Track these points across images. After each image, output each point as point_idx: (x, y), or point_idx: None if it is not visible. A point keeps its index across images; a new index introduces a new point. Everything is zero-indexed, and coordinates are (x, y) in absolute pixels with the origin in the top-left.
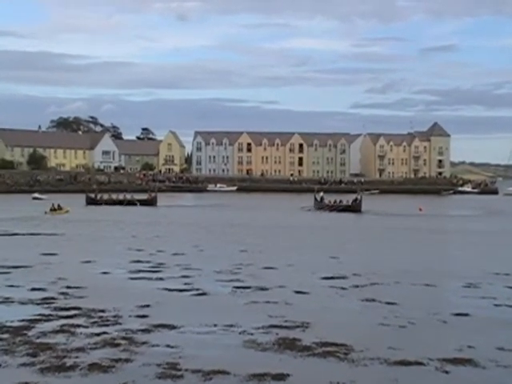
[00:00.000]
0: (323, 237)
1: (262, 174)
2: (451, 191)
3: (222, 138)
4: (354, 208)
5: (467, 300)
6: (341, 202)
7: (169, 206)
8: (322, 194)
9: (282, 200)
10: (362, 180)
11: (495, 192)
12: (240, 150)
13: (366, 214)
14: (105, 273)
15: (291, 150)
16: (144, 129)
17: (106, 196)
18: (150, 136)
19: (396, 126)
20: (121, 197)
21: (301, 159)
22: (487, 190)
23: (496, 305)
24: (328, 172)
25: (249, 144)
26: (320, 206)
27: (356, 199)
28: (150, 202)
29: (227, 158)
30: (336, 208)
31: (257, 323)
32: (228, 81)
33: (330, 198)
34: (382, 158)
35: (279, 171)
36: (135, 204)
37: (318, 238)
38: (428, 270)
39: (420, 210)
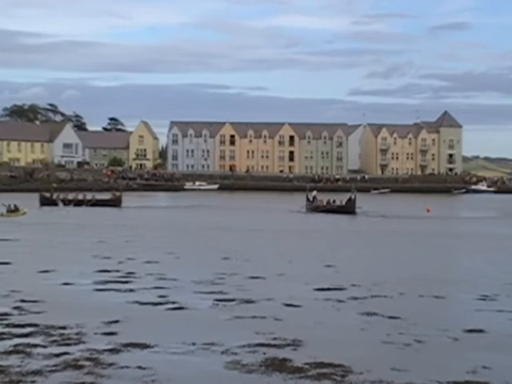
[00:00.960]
0: (316, 242)
1: (248, 171)
2: (463, 190)
3: (201, 129)
4: (348, 209)
5: (482, 314)
6: (334, 202)
7: (139, 208)
8: (314, 193)
9: (269, 200)
10: (366, 177)
11: None
12: (222, 142)
13: (364, 215)
14: (66, 284)
15: (281, 143)
16: (111, 119)
17: (65, 196)
18: (119, 127)
19: (400, 115)
20: (80, 196)
21: (292, 153)
22: (504, 188)
23: None
24: (323, 168)
25: (232, 136)
26: (312, 206)
27: (350, 199)
28: (114, 203)
29: (207, 151)
30: (328, 209)
31: (241, 341)
32: (209, 64)
33: (324, 198)
34: (384, 152)
35: (267, 167)
36: (103, 205)
37: (311, 243)
38: (437, 279)
39: (428, 211)
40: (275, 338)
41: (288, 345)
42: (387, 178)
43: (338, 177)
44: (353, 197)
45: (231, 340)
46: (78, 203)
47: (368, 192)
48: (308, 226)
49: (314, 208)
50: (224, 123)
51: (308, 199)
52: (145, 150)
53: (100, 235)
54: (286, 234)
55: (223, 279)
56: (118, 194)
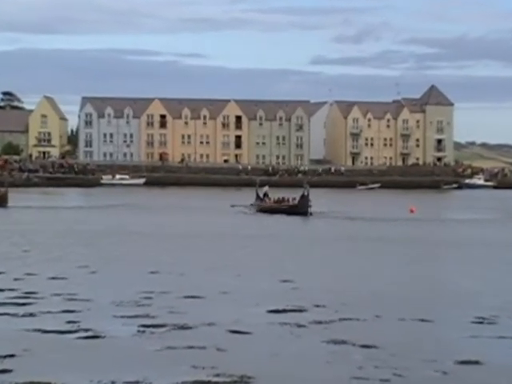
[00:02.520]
0: (267, 251)
1: (183, 161)
2: (455, 185)
3: (122, 106)
4: (301, 209)
5: (477, 341)
6: (288, 200)
7: (39, 208)
8: (266, 188)
9: (210, 198)
10: (342, 170)
11: None
12: (150, 124)
13: (322, 217)
14: None
15: (225, 126)
16: (5, 93)
17: None
18: (15, 104)
19: (376, 90)
20: None
21: (239, 139)
22: (506, 182)
23: None
24: (278, 158)
25: (163, 116)
26: (259, 206)
27: (303, 196)
28: None
29: (131, 136)
30: (276, 209)
31: (174, 378)
32: (131, 24)
33: (278, 195)
34: (356, 136)
35: (207, 156)
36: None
37: (261, 252)
38: (420, 298)
39: (411, 211)
40: (218, 375)
41: (235, 382)
42: (359, 170)
43: (301, 168)
44: (305, 193)
45: (161, 377)
46: None
47: (352, 188)
48: (256, 231)
49: (259, 208)
50: (152, 100)
51: (258, 196)
52: (49, 134)
53: None
54: (230, 240)
55: (151, 299)
56: (2, 190)
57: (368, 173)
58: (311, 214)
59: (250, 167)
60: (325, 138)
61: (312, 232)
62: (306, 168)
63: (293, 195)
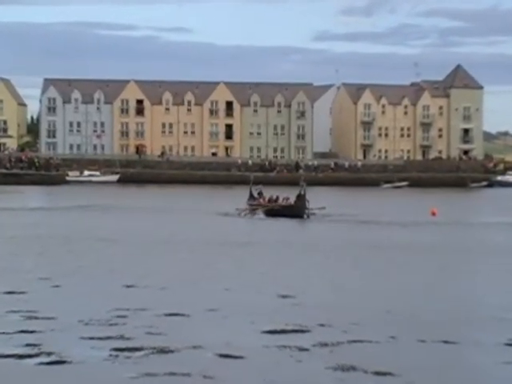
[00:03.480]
0: (262, 261)
1: (163, 154)
2: (485, 182)
3: (92, 90)
4: (296, 211)
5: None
6: (283, 199)
7: None
8: (260, 187)
9: (196, 198)
10: (359, 165)
11: None
12: (124, 111)
13: (328, 220)
14: None
15: (213, 113)
16: None
17: None
18: None
19: (391, 71)
20: None
21: (229, 128)
22: None
23: None
24: (276, 150)
25: (140, 102)
26: (252, 207)
27: (299, 195)
28: None
29: (102, 125)
30: (269, 211)
31: None
32: None
33: (274, 194)
34: (367, 125)
35: (192, 149)
36: None
37: (254, 262)
38: (443, 316)
39: (433, 214)
40: None
41: None
42: (371, 166)
43: (309, 163)
44: (302, 192)
45: None
46: None
47: (374, 186)
48: (246, 236)
49: (255, 209)
50: (127, 82)
51: (252, 196)
52: (5, 123)
53: None
54: (217, 248)
55: (125, 318)
56: None
57: (382, 169)
58: (309, 216)
59: (241, 161)
60: (331, 128)
61: (312, 238)
62: (315, 163)
63: (293, 195)
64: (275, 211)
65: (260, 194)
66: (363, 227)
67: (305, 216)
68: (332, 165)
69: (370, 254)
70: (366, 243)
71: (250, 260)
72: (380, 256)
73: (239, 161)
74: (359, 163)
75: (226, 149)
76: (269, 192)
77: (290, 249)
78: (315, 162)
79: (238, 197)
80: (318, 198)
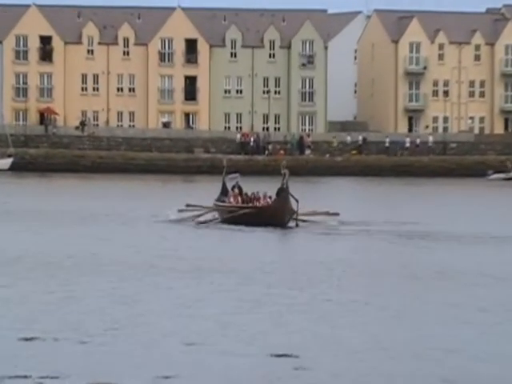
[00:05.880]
0: (235, 299)
1: (84, 125)
2: None
3: None
4: (274, 215)
5: None
6: (259, 199)
7: None
8: (237, 176)
9: (135, 195)
10: (408, 142)
11: None
12: (21, 55)
13: (340, 233)
14: None
15: (165, 58)
16: None
17: None
18: None
19: None
20: None
21: (192, 83)
22: None
23: None
24: (268, 119)
25: (45, 39)
26: (215, 207)
27: (280, 190)
28: None
29: None
30: (231, 218)
31: None
32: None
33: (260, 191)
34: (416, 78)
35: (131, 116)
36: None
37: (224, 300)
38: None
39: None
40: None
41: None
42: (423, 145)
43: (325, 140)
44: (284, 186)
45: None
46: None
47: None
48: (208, 259)
49: (198, 214)
50: (26, 8)
51: (225, 190)
52: None
53: None
54: (160, 276)
55: None
56: None
57: (439, 149)
58: (297, 224)
59: (209, 136)
60: (356, 82)
61: (300, 260)
62: (334, 141)
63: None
64: (240, 217)
65: (238, 188)
66: (407, 242)
67: (290, 224)
68: (360, 141)
69: (413, 284)
70: (418, 269)
71: (216, 298)
72: (439, 292)
73: (207, 135)
74: (407, 140)
75: (187, 117)
76: (254, 186)
77: (277, 279)
78: (334, 140)
79: (203, 192)
80: (330, 197)
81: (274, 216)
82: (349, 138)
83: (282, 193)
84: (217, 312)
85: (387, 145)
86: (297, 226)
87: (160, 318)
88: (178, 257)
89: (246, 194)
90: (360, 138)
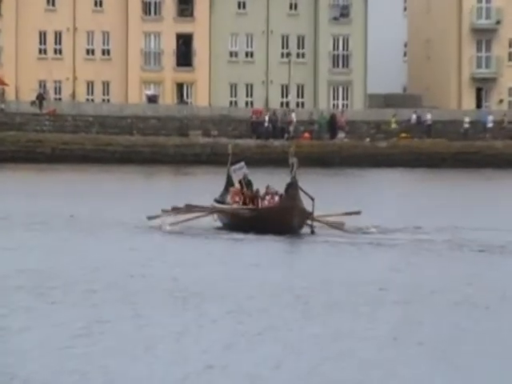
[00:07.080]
0: (229, 340)
1: (42, 99)
2: None
3: None
4: (282, 218)
5: None
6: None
7: None
8: (242, 166)
9: (113, 192)
10: (490, 121)
11: None
12: None
13: (378, 243)
14: None
15: (150, 10)
16: None
17: None
18: None
19: None
20: None
21: (186, 43)
22: None
23: None
24: (287, 91)
25: None
26: (213, 211)
27: (291, 184)
28: None
29: None
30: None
31: None
32: None
33: (271, 187)
34: (485, 35)
35: (106, 88)
36: None
37: (212, 343)
38: None
39: None
40: None
41: None
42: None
43: (363, 119)
44: (294, 180)
45: None
46: None
47: None
48: (193, 283)
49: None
50: None
51: (229, 184)
52: None
53: None
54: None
55: None
56: None
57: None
58: (313, 231)
59: (210, 114)
60: (406, 43)
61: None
62: (413, 118)
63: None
64: (240, 221)
65: (246, 182)
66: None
67: (301, 229)
68: (413, 119)
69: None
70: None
71: (201, 334)
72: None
73: (206, 113)
74: (489, 119)
75: (179, 88)
76: (268, 181)
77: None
78: (392, 120)
79: (200, 188)
80: (368, 195)
81: (280, 219)
82: (414, 117)
83: (290, 189)
84: (201, 350)
85: (467, 125)
86: (312, 232)
87: (124, 360)
88: (153, 275)
89: (253, 191)
90: (413, 116)
